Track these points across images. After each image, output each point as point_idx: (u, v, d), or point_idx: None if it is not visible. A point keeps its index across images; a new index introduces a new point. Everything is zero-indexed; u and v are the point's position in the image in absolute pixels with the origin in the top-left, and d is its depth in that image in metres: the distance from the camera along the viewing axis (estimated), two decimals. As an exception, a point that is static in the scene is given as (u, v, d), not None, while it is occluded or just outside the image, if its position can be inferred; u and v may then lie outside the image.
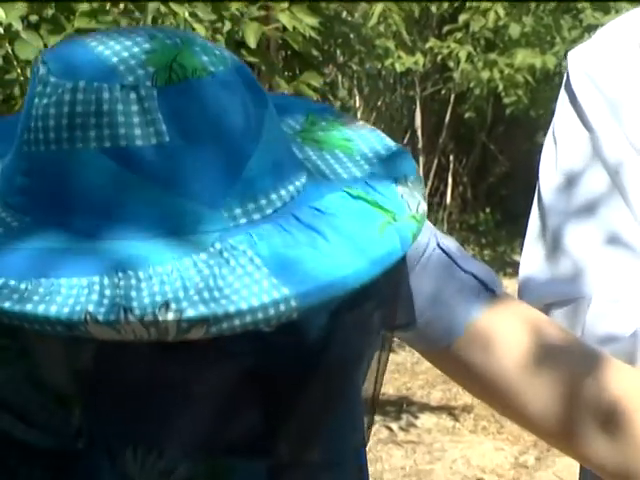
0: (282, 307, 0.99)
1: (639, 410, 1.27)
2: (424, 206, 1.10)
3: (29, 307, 0.98)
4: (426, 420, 5.59)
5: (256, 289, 0.99)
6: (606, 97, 1.60)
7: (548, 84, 6.75)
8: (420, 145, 7.98)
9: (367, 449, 1.33)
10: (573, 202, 1.62)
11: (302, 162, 1.13)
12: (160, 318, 0.97)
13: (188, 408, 1.19)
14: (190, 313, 0.97)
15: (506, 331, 1.28)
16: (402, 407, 5.73)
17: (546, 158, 1.67)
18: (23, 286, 0.99)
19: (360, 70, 6.75)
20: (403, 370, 6.31)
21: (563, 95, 1.65)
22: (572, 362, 1.30)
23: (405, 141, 8.04)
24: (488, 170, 8.44)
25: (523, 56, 6.75)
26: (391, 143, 1.20)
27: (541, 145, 1.69)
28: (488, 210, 8.05)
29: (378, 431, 5.14)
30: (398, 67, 6.81)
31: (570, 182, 1.63)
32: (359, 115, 7.15)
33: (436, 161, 8.11)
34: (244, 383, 1.19)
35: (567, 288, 1.61)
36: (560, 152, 1.65)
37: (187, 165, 1.02)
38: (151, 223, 1.03)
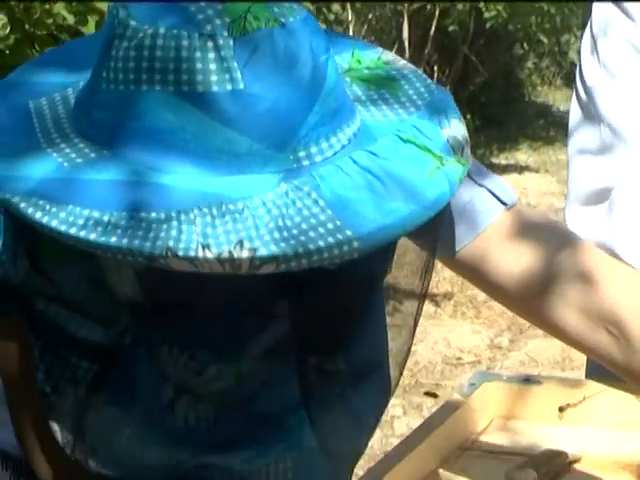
0: (345, 248, 0.98)
1: (605, 281, 1.25)
2: (468, 150, 1.08)
3: (113, 240, 0.97)
4: (410, 306, 5.62)
5: (322, 230, 0.98)
6: None
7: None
8: (407, 55, 7.68)
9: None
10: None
11: (355, 105, 1.10)
12: (235, 255, 0.96)
13: (221, 316, 1.16)
14: (263, 252, 0.96)
15: (513, 242, 1.26)
16: (389, 294, 5.73)
17: (584, 54, 1.70)
18: (106, 218, 0.98)
19: None
20: (408, 266, 6.23)
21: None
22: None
23: (393, 52, 7.72)
24: (469, 79, 8.26)
25: None
26: (432, 85, 1.16)
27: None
28: (469, 116, 7.98)
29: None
30: None
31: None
32: (351, 27, 7.12)
33: (421, 70, 7.79)
34: (275, 293, 1.15)
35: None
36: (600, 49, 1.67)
37: (258, 110, 1.00)
38: (222, 163, 1.01)
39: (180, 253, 0.96)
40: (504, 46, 7.45)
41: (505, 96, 9.23)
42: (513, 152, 8.55)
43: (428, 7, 7.63)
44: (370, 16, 7.63)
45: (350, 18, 7.44)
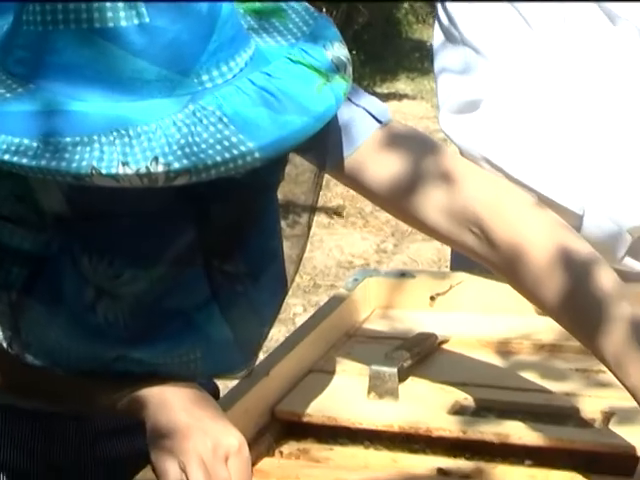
0: (248, 159, 0.99)
1: (465, 183, 1.25)
2: (350, 68, 1.08)
3: (43, 163, 0.97)
4: (304, 216, 5.59)
5: (227, 144, 0.99)
6: None
7: None
8: None
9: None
10: None
11: (249, 33, 1.09)
12: (152, 170, 0.97)
13: (134, 227, 1.17)
14: (176, 166, 0.97)
15: (385, 153, 1.25)
16: (288, 209, 5.73)
17: None
18: (35, 144, 0.98)
19: None
20: (288, 179, 6.26)
21: None
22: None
23: None
24: (353, 20, 8.10)
25: None
26: (316, 14, 1.15)
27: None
28: (354, 52, 8.00)
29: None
30: None
31: None
32: None
33: None
34: (181, 205, 1.17)
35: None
36: None
37: (163, 40, 0.99)
38: (134, 88, 1.00)
39: (103, 171, 0.97)
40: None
41: (385, 33, 9.31)
42: (394, 82, 8.59)
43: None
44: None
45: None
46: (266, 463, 1.25)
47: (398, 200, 1.26)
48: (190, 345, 1.22)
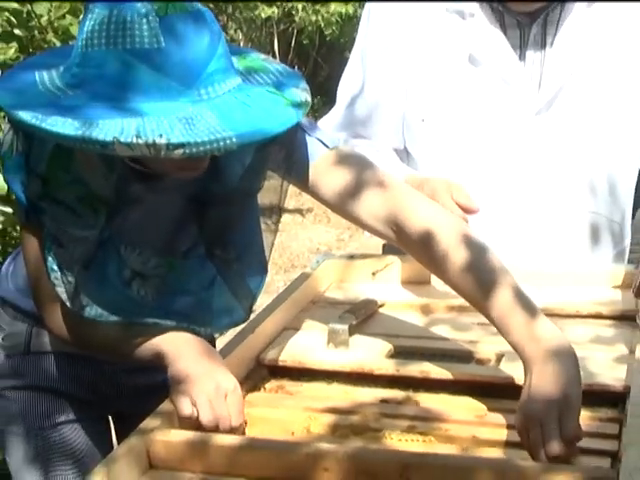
0: (228, 142, 1.01)
1: (391, 195, 1.23)
2: (309, 99, 1.11)
3: (79, 133, 0.99)
4: (285, 217, 5.45)
5: (213, 130, 1.01)
6: (381, 26, 1.48)
7: (350, 23, 6.60)
8: (277, 59, 7.57)
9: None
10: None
11: (240, 72, 1.11)
12: (157, 142, 0.99)
13: (155, 224, 1.18)
14: (174, 140, 0.99)
15: (333, 169, 1.24)
16: (265, 210, 5.63)
17: (346, 74, 1.57)
18: (76, 123, 1.00)
19: (241, 17, 6.59)
20: (265, 188, 6.25)
21: (360, 29, 1.55)
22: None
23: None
24: (317, 74, 8.00)
25: (335, 6, 6.66)
26: (289, 68, 1.18)
27: (347, 59, 1.59)
28: (318, 97, 8.02)
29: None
30: (263, 15, 6.66)
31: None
32: (242, 44, 6.84)
33: None
34: (187, 207, 1.19)
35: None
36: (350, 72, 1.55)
37: (175, 61, 1.02)
38: (151, 93, 1.02)
39: (122, 139, 0.98)
40: (338, 52, 7.39)
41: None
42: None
43: (289, 29, 7.52)
44: (253, 35, 7.50)
45: (241, 37, 7.33)
46: (254, 396, 1.24)
47: (341, 206, 1.25)
48: (199, 318, 1.21)
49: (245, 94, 1.07)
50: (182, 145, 0.99)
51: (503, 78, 1.44)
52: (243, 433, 1.12)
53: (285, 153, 1.19)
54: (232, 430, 1.09)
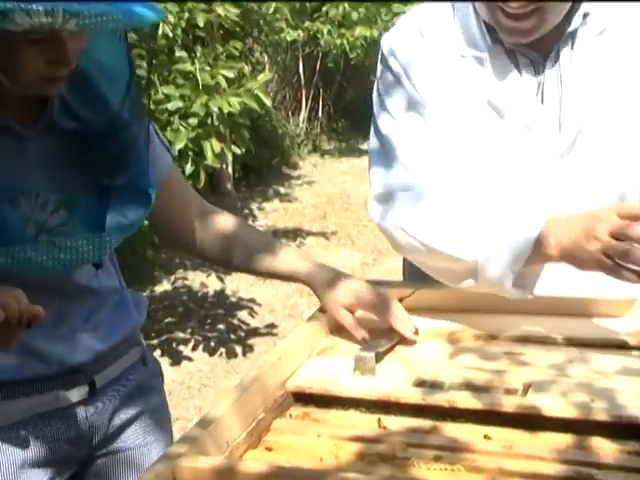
0: (115, 17, 1.05)
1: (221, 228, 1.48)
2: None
3: None
4: (309, 240, 5.54)
5: (105, 11, 1.04)
6: (401, 62, 1.47)
7: (375, 46, 6.52)
8: (302, 83, 7.79)
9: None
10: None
11: None
12: (54, 10, 1.00)
13: (46, 165, 1.22)
14: (70, 10, 1.01)
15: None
16: (296, 234, 5.64)
17: (375, 103, 1.54)
18: None
19: (266, 40, 6.60)
20: (296, 211, 6.19)
21: (380, 64, 1.53)
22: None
23: (294, 81, 7.81)
24: (342, 97, 8.18)
25: (360, 30, 6.72)
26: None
27: (372, 82, 1.56)
28: (343, 120, 7.99)
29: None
30: (288, 38, 6.70)
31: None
32: (267, 67, 6.93)
33: (312, 92, 7.97)
34: (74, 144, 1.24)
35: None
36: (384, 100, 1.52)
37: None
38: None
39: (22, 5, 0.98)
40: (363, 75, 7.41)
41: (365, 107, 9.26)
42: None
43: (314, 52, 7.55)
44: (279, 59, 7.54)
45: (267, 60, 7.36)
46: (280, 423, 1.24)
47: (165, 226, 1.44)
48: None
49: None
50: (77, 14, 1.02)
51: (526, 124, 1.42)
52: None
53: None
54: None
